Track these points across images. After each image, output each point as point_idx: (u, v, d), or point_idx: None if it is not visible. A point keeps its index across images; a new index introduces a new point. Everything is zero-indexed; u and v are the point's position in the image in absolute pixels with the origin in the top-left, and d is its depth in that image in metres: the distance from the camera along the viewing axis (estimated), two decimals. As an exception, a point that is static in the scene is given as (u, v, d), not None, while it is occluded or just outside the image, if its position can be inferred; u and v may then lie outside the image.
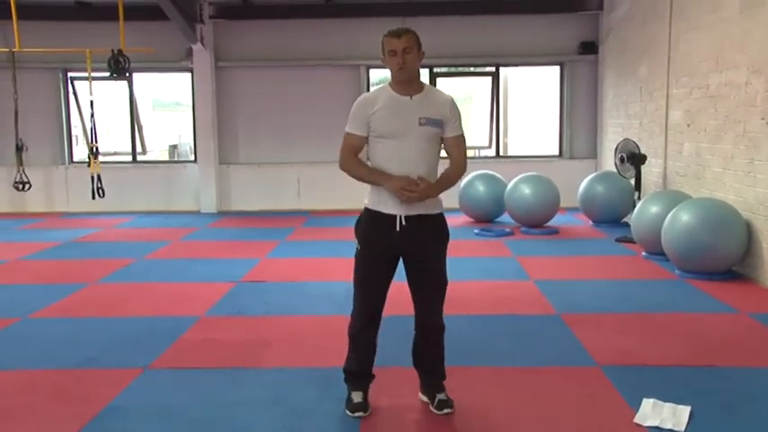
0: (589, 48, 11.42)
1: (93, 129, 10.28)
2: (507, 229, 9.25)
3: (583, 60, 11.56)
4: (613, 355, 4.47)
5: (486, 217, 10.04)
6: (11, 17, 9.59)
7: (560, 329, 5.04)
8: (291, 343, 4.84)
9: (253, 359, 4.50)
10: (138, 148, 12.25)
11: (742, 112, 6.52)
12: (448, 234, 3.61)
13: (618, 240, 8.44)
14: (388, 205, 3.44)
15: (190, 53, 11.43)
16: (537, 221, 9.39)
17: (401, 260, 3.57)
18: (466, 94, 19.49)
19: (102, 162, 10.67)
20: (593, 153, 11.71)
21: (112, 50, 9.83)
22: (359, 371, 3.67)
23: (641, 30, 9.33)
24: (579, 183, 9.83)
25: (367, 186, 3.55)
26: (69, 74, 11.90)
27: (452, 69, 12.61)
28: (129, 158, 12.28)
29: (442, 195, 3.55)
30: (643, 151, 8.50)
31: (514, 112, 17.44)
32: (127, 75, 10.40)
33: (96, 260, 7.86)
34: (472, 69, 12.68)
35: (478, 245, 8.45)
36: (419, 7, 11.16)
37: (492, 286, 6.38)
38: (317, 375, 4.17)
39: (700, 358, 4.41)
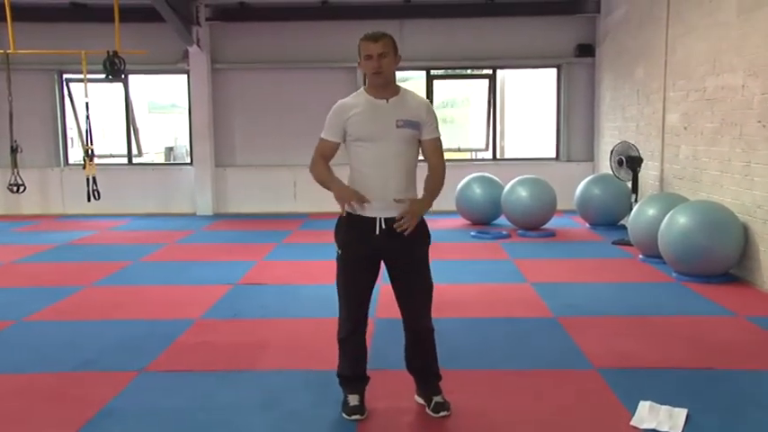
0: (586, 50, 11.44)
1: (89, 131, 10.27)
2: (504, 232, 9.27)
3: (580, 63, 11.59)
4: (610, 357, 4.47)
5: (483, 219, 10.06)
6: (5, 18, 9.58)
7: (557, 332, 5.05)
8: (288, 346, 4.84)
9: (249, 362, 4.50)
10: (134, 151, 12.26)
11: (739, 115, 6.54)
12: (429, 235, 3.61)
13: (615, 243, 8.46)
14: (367, 208, 3.45)
15: (186, 55, 11.44)
16: (534, 224, 9.40)
17: (384, 265, 3.58)
18: (463, 96, 19.51)
19: (97, 164, 10.66)
20: (589, 156, 11.74)
21: (108, 52, 9.83)
22: (352, 375, 3.68)
23: (638, 32, 9.36)
24: (576, 185, 9.86)
25: None
26: (65, 75, 11.91)
27: (449, 72, 12.63)
28: (125, 161, 12.28)
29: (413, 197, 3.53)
30: (637, 153, 8.51)
31: (511, 115, 17.45)
32: (122, 76, 10.41)
33: (92, 263, 7.85)
34: (469, 72, 12.71)
35: (475, 247, 8.46)
36: (416, 10, 11.19)
37: (488, 289, 6.38)
38: (313, 378, 4.16)
39: (697, 361, 4.42)
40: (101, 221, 10.99)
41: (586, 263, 7.57)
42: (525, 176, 9.71)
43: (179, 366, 4.45)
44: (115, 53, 9.84)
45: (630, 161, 8.46)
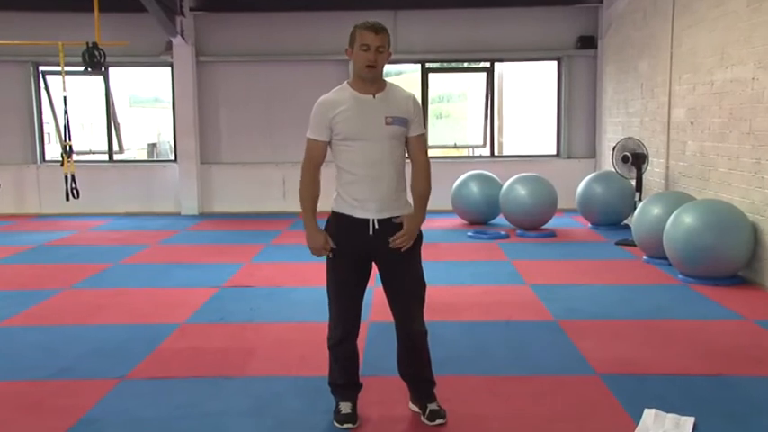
0: (588, 42, 11.46)
1: (67, 126, 10.22)
2: (502, 232, 9.28)
3: (581, 55, 11.60)
4: (613, 363, 4.48)
5: (481, 219, 10.07)
6: (-21, 8, 9.54)
7: (558, 337, 5.05)
8: (277, 351, 4.84)
9: (236, 368, 4.49)
10: (115, 147, 12.22)
11: (748, 110, 6.56)
12: (421, 234, 3.62)
13: (618, 244, 8.48)
14: (359, 209, 3.47)
15: (169, 47, 11.40)
16: (533, 224, 9.41)
17: (375, 267, 3.59)
18: (459, 90, 19.53)
19: (76, 161, 10.60)
20: (591, 152, 11.76)
21: (87, 43, 9.77)
22: (344, 383, 3.68)
23: (642, 24, 9.39)
24: (577, 183, 9.87)
25: (334, 187, 3.58)
26: (41, 68, 11.83)
27: (445, 65, 12.63)
28: (106, 157, 12.24)
29: (404, 196, 3.57)
30: (642, 150, 8.53)
31: (510, 110, 17.47)
32: (102, 69, 10.37)
33: (70, 265, 7.83)
34: (466, 65, 12.72)
35: (472, 248, 8.46)
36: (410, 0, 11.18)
37: (486, 291, 6.39)
38: (303, 385, 4.16)
39: (704, 367, 4.43)
40: (80, 221, 10.95)
41: (588, 264, 7.59)
42: (524, 174, 9.72)
43: (162, 373, 4.43)
44: (95, 44, 9.79)
45: (636, 158, 8.47)
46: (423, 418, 3.64)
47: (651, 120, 9.07)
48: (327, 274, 3.60)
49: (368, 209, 3.45)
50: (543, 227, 9.52)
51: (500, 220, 10.05)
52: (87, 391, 4.11)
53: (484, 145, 12.35)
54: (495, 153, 12.47)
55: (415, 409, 3.73)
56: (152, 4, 9.75)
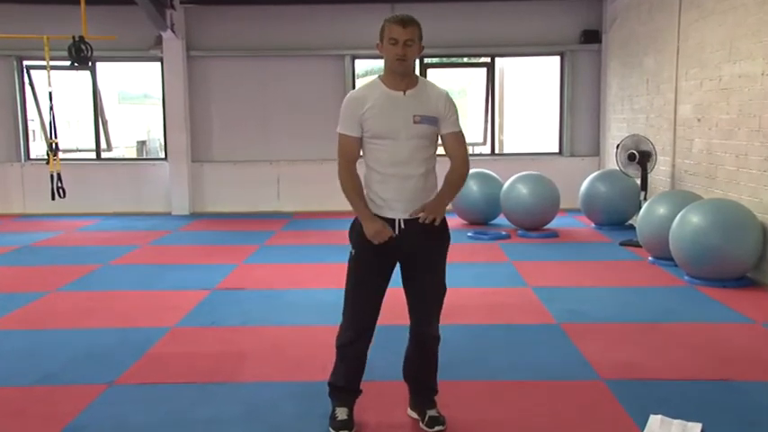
0: (592, 37, 11.47)
1: (53, 123, 10.18)
2: (503, 232, 9.29)
3: (585, 50, 11.61)
4: (617, 367, 4.49)
5: (481, 219, 10.07)
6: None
7: (560, 340, 5.06)
8: (270, 355, 4.83)
9: (228, 373, 4.48)
10: (103, 145, 12.21)
11: (757, 106, 6.57)
12: (449, 236, 3.63)
13: (622, 244, 8.49)
14: (385, 208, 3.48)
15: (159, 41, 11.39)
16: (535, 224, 9.42)
17: (399, 266, 3.59)
18: (459, 86, 19.52)
19: (62, 159, 10.57)
20: (595, 150, 11.77)
21: (73, 37, 9.75)
22: (345, 386, 3.68)
23: (648, 17, 9.40)
24: (580, 182, 9.89)
25: (366, 187, 3.56)
26: (25, 62, 11.82)
27: (445, 60, 12.65)
28: (93, 155, 12.23)
29: (433, 196, 3.55)
30: (649, 148, 8.54)
31: (511, 107, 17.47)
32: (89, 64, 10.34)
33: (57, 266, 7.82)
34: (466, 60, 12.72)
35: (472, 249, 8.46)
36: (409, -8, 11.17)
37: (487, 293, 6.39)
38: (298, 390, 4.16)
39: (711, 371, 4.43)
40: (66, 221, 10.94)
41: (591, 265, 7.60)
42: (526, 173, 9.73)
43: (152, 378, 4.43)
44: (81, 38, 9.76)
45: (643, 156, 8.46)
46: (422, 425, 3.65)
47: (657, 116, 9.08)
48: (348, 272, 3.60)
49: (394, 209, 3.47)
50: (545, 227, 9.52)
51: (501, 220, 10.05)
52: (74, 398, 4.10)
53: (484, 142, 12.36)
54: (496, 151, 12.47)
55: (414, 415, 3.74)
56: (141, -4, 9.74)
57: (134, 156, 19.85)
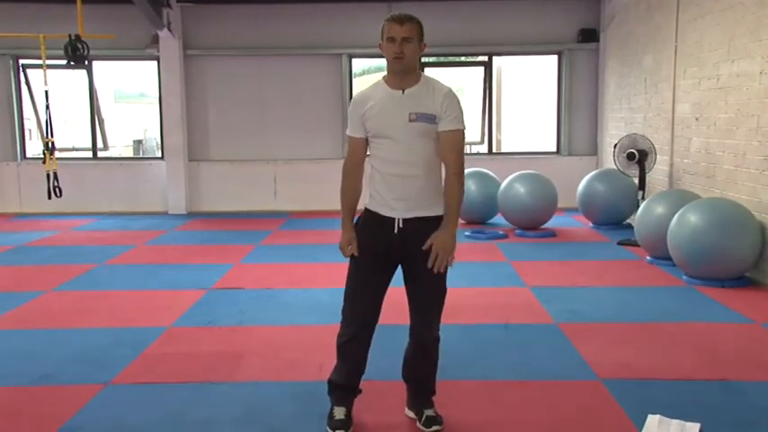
0: (589, 35, 11.47)
1: (49, 122, 10.17)
2: (501, 232, 9.28)
3: (583, 49, 11.61)
4: (615, 367, 4.48)
5: (478, 218, 10.06)
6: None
7: (558, 340, 5.06)
8: (267, 356, 4.82)
9: (225, 373, 4.47)
10: (99, 144, 12.19)
11: (755, 105, 6.57)
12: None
13: (620, 244, 8.49)
14: (387, 208, 3.48)
15: (156, 40, 11.37)
16: (533, 223, 9.42)
17: (401, 266, 3.59)
18: (456, 86, 19.54)
19: (58, 158, 10.56)
20: (593, 149, 11.77)
21: (70, 36, 9.73)
22: (345, 384, 3.67)
23: (646, 16, 9.40)
24: (578, 181, 9.88)
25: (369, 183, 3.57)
26: (21, 61, 11.81)
27: (441, 59, 12.63)
28: (89, 155, 12.20)
29: (436, 196, 3.52)
30: (647, 147, 8.53)
31: (509, 106, 17.49)
32: (86, 63, 10.30)
33: (53, 266, 7.80)
34: (463, 59, 12.71)
35: (469, 248, 8.45)
36: (406, -9, 11.17)
37: (484, 293, 6.39)
38: (295, 391, 4.15)
39: (710, 371, 4.43)
40: (63, 221, 10.92)
41: (589, 265, 7.59)
42: (523, 172, 9.72)
43: (149, 379, 4.42)
44: (78, 37, 9.75)
45: (641, 155, 8.45)
46: (419, 425, 3.64)
47: (655, 115, 9.08)
48: (349, 270, 3.61)
49: (395, 208, 3.46)
50: (543, 226, 9.52)
51: (498, 219, 10.05)
52: (70, 398, 4.09)
53: (482, 142, 12.36)
54: (494, 150, 12.49)
55: (411, 415, 3.74)
56: (137, -5, 9.72)
57: (131, 155, 19.82)
